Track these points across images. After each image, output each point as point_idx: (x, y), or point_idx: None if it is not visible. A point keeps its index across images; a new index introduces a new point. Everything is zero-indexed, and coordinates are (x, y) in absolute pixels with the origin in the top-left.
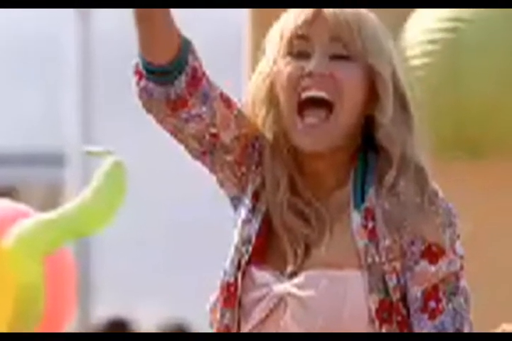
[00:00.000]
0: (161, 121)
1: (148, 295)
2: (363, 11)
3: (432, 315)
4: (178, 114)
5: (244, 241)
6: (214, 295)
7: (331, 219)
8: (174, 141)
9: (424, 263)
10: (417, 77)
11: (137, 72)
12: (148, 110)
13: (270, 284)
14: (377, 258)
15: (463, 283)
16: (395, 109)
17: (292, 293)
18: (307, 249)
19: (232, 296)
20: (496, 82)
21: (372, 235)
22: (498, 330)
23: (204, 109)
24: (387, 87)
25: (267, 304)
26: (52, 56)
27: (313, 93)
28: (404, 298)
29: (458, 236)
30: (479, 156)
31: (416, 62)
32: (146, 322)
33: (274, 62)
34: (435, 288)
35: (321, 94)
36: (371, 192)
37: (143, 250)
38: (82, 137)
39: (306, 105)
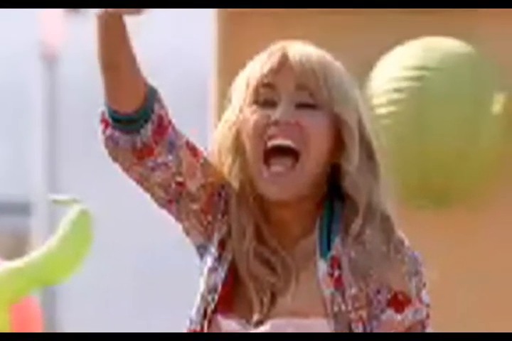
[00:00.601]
0: (127, 170)
1: None
2: (329, 59)
3: None
4: (144, 163)
5: (211, 289)
6: None
7: (297, 268)
8: (140, 190)
9: (390, 312)
10: (383, 126)
11: (103, 121)
12: (115, 158)
13: None
14: (343, 307)
15: (429, 331)
16: (361, 158)
17: None
18: (273, 298)
19: None
20: (462, 131)
21: (338, 284)
22: None
23: (170, 157)
24: (353, 136)
25: None
26: (18, 105)
27: (279, 141)
28: None
29: (424, 285)
30: (445, 205)
31: (382, 110)
32: None
33: (240, 110)
34: None
35: (287, 142)
36: (337, 241)
37: (109, 298)
38: (48, 185)
39: (272, 153)
